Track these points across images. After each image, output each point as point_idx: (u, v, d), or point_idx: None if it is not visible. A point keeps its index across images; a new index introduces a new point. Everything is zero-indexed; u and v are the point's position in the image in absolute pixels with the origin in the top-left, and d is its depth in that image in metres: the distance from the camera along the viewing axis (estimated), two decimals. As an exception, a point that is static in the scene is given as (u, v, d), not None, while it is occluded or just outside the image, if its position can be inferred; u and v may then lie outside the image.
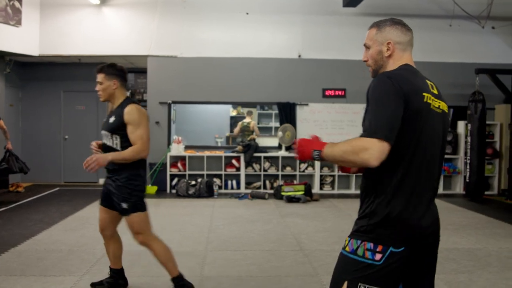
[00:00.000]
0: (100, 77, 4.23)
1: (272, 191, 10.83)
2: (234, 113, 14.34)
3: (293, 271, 5.30)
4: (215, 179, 11.06)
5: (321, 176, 11.38)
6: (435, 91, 2.38)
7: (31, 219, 7.94)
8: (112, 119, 4.20)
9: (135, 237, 4.23)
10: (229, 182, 11.24)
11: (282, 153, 11.30)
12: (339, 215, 8.63)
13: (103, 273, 5.12)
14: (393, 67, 2.39)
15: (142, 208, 4.22)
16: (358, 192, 2.43)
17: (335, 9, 11.38)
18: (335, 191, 11.28)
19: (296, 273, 5.25)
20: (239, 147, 11.17)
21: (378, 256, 2.20)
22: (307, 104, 11.50)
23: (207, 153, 11.27)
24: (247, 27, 11.47)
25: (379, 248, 2.20)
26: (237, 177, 11.27)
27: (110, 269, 4.68)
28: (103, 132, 4.27)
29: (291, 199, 9.95)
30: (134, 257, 5.65)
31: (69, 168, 12.79)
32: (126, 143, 4.15)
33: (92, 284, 4.65)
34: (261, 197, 10.35)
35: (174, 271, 4.28)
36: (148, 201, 9.87)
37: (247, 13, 11.43)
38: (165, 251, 4.26)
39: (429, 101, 2.28)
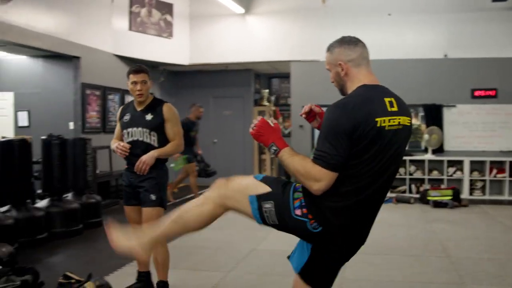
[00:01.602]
0: (144, 76, 4.28)
1: (418, 196, 10.53)
2: (378, 116, 14.13)
3: (437, 278, 5.14)
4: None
5: (470, 180, 10.85)
6: (395, 108, 2.42)
7: (183, 219, 8.44)
8: (149, 117, 4.29)
9: None
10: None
11: (429, 156, 10.94)
12: (490, 222, 8.20)
13: (248, 270, 5.36)
14: (352, 84, 2.52)
15: (165, 205, 4.33)
16: None
17: (483, 5, 10.79)
18: (486, 197, 10.68)
19: (440, 280, 5.09)
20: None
21: None
22: (454, 106, 11.04)
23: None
24: (389, 28, 11.27)
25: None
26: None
27: (139, 273, 4.58)
28: (138, 129, 4.29)
29: (437, 204, 9.62)
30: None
31: (218, 170, 13.36)
32: (163, 140, 4.29)
33: None
34: (406, 201, 10.13)
35: (165, 275, 4.37)
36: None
37: (389, 14, 11.23)
38: (166, 253, 4.38)
39: (383, 124, 2.35)
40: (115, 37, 10.35)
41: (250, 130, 2.52)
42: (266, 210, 2.49)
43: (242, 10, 11.56)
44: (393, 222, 8.07)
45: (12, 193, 6.55)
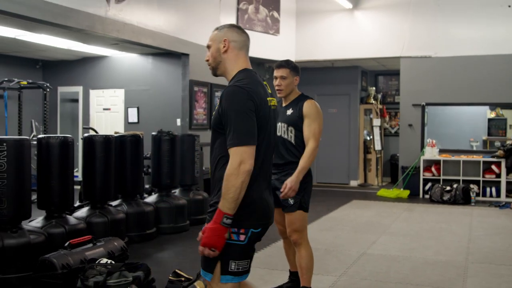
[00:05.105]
0: (285, 71, 4.16)
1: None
2: (492, 115, 13.30)
3: None
4: (471, 186, 10.34)
5: None
6: (269, 90, 2.82)
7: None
8: (290, 112, 4.17)
9: (291, 234, 4.09)
10: (487, 189, 10.42)
11: (551, 158, 10.12)
12: None
13: (360, 275, 5.11)
14: (231, 65, 2.74)
15: (307, 207, 4.11)
16: None
17: None
18: None
19: None
20: (500, 152, 10.29)
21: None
22: None
23: (463, 157, 10.62)
24: (508, 21, 10.53)
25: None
26: (496, 184, 10.39)
27: (290, 272, 4.51)
28: (278, 124, 4.09)
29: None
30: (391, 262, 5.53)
31: (322, 169, 13.12)
32: (300, 137, 4.13)
33: None
34: (526, 206, 9.43)
35: (308, 281, 4.09)
36: (401, 206, 9.65)
37: (509, 6, 10.48)
38: (310, 258, 4.11)
39: (270, 104, 2.73)
40: (222, 34, 10.36)
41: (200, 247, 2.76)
42: (235, 267, 2.70)
43: (350, 5, 11.26)
44: (514, 229, 7.51)
45: (123, 187, 6.68)
